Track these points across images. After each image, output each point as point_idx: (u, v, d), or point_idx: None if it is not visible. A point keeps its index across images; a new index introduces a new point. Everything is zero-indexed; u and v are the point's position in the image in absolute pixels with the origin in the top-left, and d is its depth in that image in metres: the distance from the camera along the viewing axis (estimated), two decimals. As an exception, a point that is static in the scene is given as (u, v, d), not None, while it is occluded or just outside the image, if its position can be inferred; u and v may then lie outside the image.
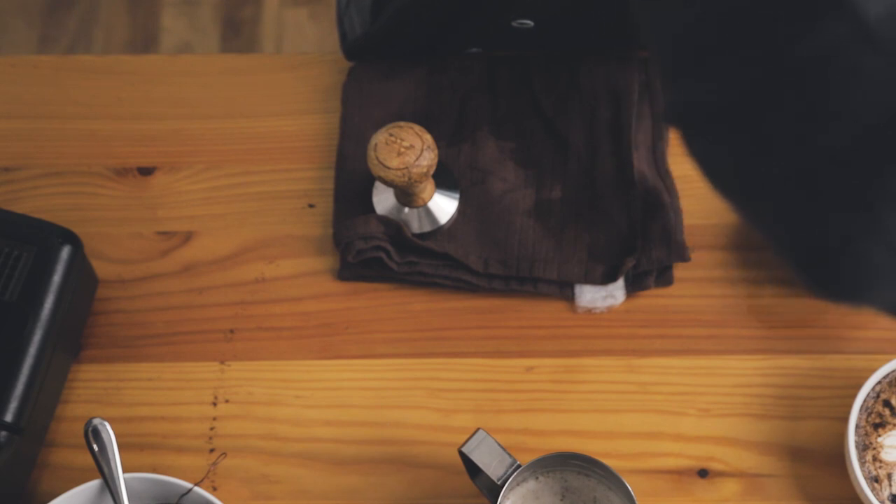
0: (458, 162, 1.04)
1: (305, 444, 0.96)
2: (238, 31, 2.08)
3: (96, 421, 0.91)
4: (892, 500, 0.90)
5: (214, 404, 0.98)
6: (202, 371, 0.99)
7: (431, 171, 0.96)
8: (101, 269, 1.01)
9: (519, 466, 0.87)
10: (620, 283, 1.00)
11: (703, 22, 0.52)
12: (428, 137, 0.95)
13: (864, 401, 0.92)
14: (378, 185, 1.03)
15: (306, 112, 1.08)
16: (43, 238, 0.94)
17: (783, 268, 0.69)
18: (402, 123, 0.96)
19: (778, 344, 0.98)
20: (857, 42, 0.45)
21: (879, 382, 0.93)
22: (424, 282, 1.01)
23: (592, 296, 1.00)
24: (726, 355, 0.98)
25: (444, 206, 1.01)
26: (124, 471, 0.91)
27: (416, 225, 1.01)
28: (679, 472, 0.95)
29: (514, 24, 1.02)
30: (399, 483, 0.95)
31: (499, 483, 0.86)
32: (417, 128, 0.95)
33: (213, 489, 0.95)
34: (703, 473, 0.95)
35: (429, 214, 1.01)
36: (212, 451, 0.96)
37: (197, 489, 0.90)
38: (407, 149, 0.94)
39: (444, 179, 1.02)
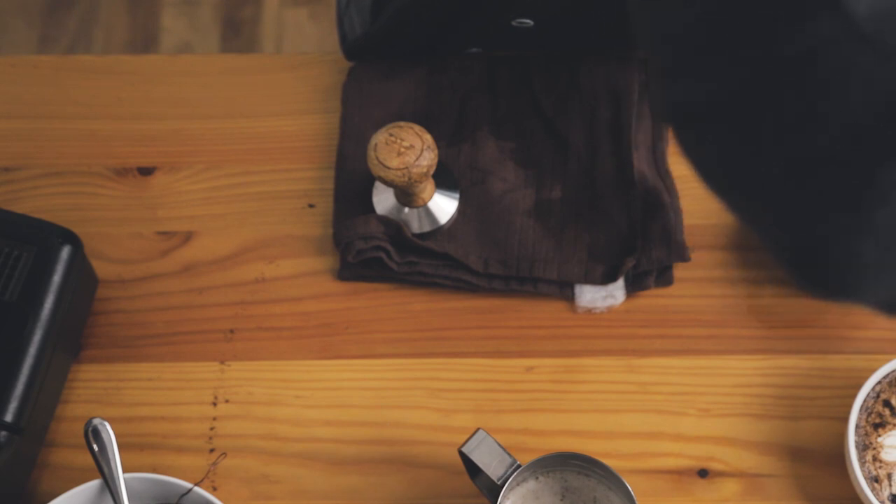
0: (458, 162, 1.04)
1: (305, 444, 0.96)
2: (238, 31, 2.08)
3: (96, 421, 0.91)
4: (892, 500, 0.90)
5: (214, 404, 0.98)
6: (202, 371, 0.99)
7: (431, 171, 0.96)
8: (101, 269, 1.01)
9: (519, 466, 0.87)
10: (620, 283, 1.00)
11: (701, 22, 0.52)
12: (428, 137, 0.95)
13: (864, 401, 0.92)
14: (378, 185, 1.03)
15: (306, 112, 1.08)
16: (43, 238, 0.94)
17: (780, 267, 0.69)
18: (402, 123, 0.96)
19: (778, 344, 0.98)
20: (849, 40, 0.45)
21: (879, 382, 0.93)
22: (424, 282, 1.01)
23: (592, 296, 1.00)
24: (726, 355, 0.98)
25: (444, 206, 1.01)
26: (124, 471, 0.91)
27: (416, 225, 1.01)
28: (679, 472, 0.95)
29: (513, 23, 1.02)
30: (399, 483, 0.95)
31: (499, 483, 0.86)
32: (417, 128, 0.95)
33: (213, 489, 0.95)
34: (703, 473, 0.95)
35: (429, 214, 1.01)
36: (212, 451, 0.96)
37: (197, 489, 0.90)
38: (407, 149, 0.94)
39: (444, 179, 1.02)
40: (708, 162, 0.58)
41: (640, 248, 0.99)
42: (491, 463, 0.86)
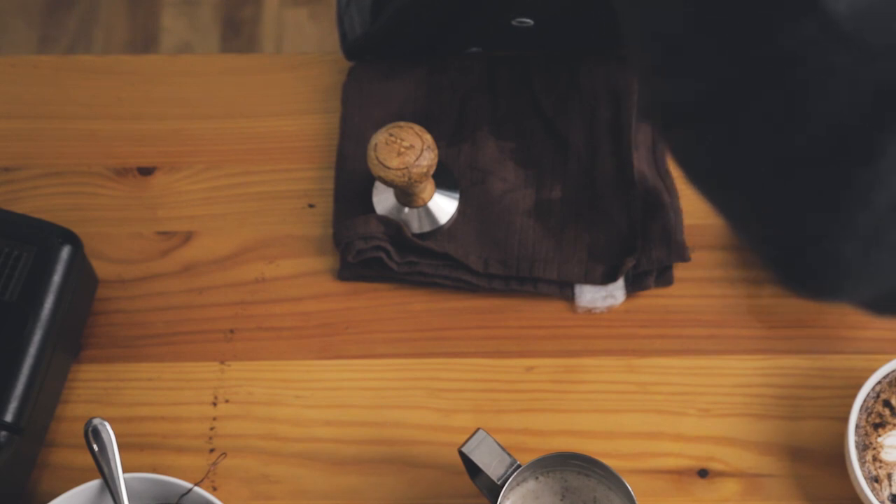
0: (458, 162, 1.04)
1: (305, 444, 0.96)
2: (238, 31, 2.08)
3: (96, 421, 0.91)
4: (892, 500, 0.90)
5: (214, 404, 0.98)
6: (202, 371, 0.99)
7: (431, 171, 0.96)
8: (101, 269, 1.01)
9: (519, 466, 0.87)
10: (620, 283, 1.00)
11: (690, 21, 0.52)
12: (428, 137, 0.95)
13: (864, 401, 0.92)
14: (378, 185, 1.03)
15: (306, 112, 1.08)
16: (43, 238, 0.94)
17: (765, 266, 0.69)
18: (402, 123, 0.96)
19: (778, 344, 0.98)
20: (829, 41, 0.45)
21: (879, 382, 0.93)
22: (424, 282, 1.01)
23: (592, 296, 1.00)
24: (726, 355, 0.98)
25: (444, 206, 1.01)
26: (124, 471, 0.91)
27: (416, 225, 1.01)
28: (679, 472, 0.95)
29: (513, 23, 1.02)
30: (399, 483, 0.95)
31: (499, 483, 0.86)
32: (417, 128, 0.95)
33: (213, 489, 0.95)
34: (703, 473, 0.95)
35: (429, 214, 1.01)
36: (212, 451, 0.96)
37: (197, 489, 0.90)
38: (407, 149, 0.94)
39: (444, 179, 1.02)
40: (695, 161, 0.58)
41: (640, 248, 1.00)
42: (491, 463, 0.86)
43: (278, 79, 1.09)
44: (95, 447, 0.90)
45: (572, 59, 1.07)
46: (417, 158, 0.94)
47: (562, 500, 0.88)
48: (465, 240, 1.01)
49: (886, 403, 0.92)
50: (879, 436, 0.91)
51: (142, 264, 1.02)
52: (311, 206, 1.04)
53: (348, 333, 1.00)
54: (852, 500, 0.93)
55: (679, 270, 1.01)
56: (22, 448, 0.91)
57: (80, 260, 0.95)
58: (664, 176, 1.03)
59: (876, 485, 0.90)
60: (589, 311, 1.00)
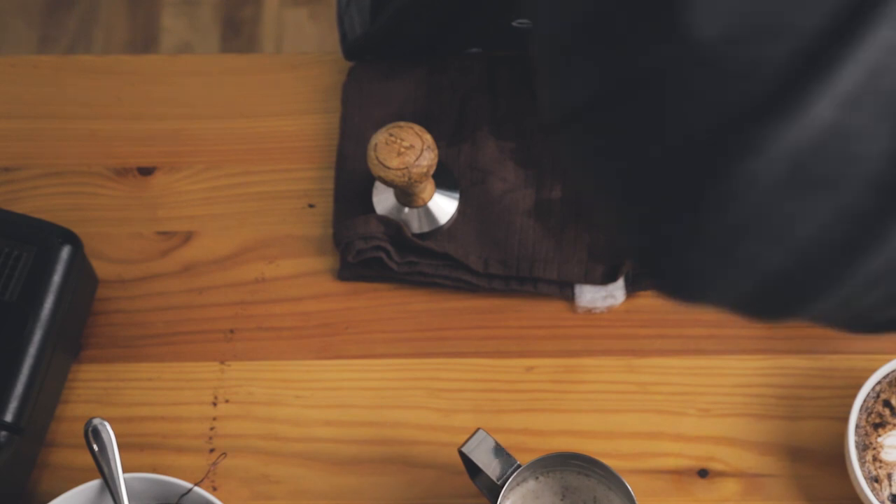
0: (458, 162, 1.04)
1: (305, 444, 0.96)
2: (238, 31, 2.08)
3: (96, 421, 0.91)
4: (892, 500, 0.90)
5: (214, 404, 0.98)
6: (202, 371, 0.99)
7: (431, 171, 0.96)
8: (101, 269, 1.01)
9: (519, 466, 0.87)
10: (620, 283, 1.00)
11: (578, 25, 0.53)
12: (428, 137, 0.95)
13: (864, 401, 0.92)
14: (378, 185, 1.03)
15: (306, 112, 1.08)
16: (43, 238, 0.94)
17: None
18: (402, 123, 0.96)
19: (778, 344, 0.98)
20: (690, 64, 0.44)
21: (879, 382, 0.93)
22: (424, 282, 1.01)
23: (592, 296, 1.00)
24: (726, 355, 0.98)
25: (444, 206, 1.01)
26: (124, 471, 0.91)
27: (416, 225, 1.01)
28: (679, 472, 0.95)
29: (514, 23, 1.02)
30: (399, 483, 0.95)
31: (499, 483, 0.86)
32: (417, 128, 0.95)
33: (213, 489, 0.95)
34: (703, 473, 0.95)
35: (429, 214, 1.01)
36: (212, 451, 0.96)
37: (197, 489, 0.90)
38: (407, 149, 0.94)
39: (444, 179, 1.02)
40: (578, 163, 0.58)
41: (640, 248, 0.99)
42: (491, 463, 0.86)
43: (278, 79, 1.09)
44: (95, 447, 0.90)
45: (572, 59, 1.06)
46: (417, 158, 0.94)
47: (562, 500, 0.88)
48: (465, 240, 1.01)
49: (886, 403, 0.92)
50: (879, 436, 0.91)
51: (142, 264, 1.02)
52: (311, 206, 1.04)
53: (348, 333, 1.00)
54: (852, 500, 0.93)
55: (679, 270, 1.01)
56: (22, 448, 0.91)
57: (80, 260, 0.95)
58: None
59: (876, 485, 0.90)
60: (589, 311, 1.00)
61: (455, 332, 1.00)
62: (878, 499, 0.89)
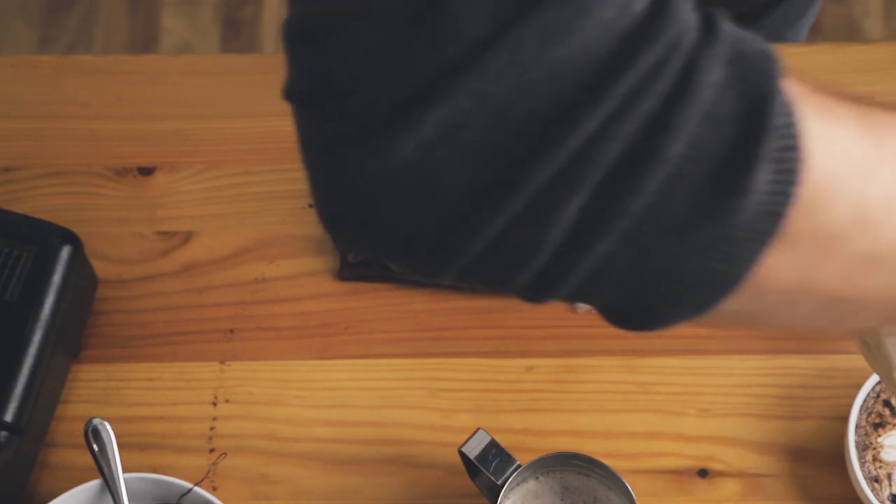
0: (457, 162, 1.03)
1: (305, 444, 0.96)
2: (238, 31, 2.08)
3: (96, 421, 0.91)
4: (892, 500, 0.90)
5: (214, 404, 0.98)
6: (202, 371, 0.99)
7: (431, 171, 0.96)
8: (101, 269, 1.01)
9: (519, 466, 0.86)
10: (620, 283, 1.00)
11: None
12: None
13: (864, 401, 0.92)
14: (378, 185, 1.02)
15: (306, 112, 1.08)
16: (43, 238, 0.94)
17: None
18: (402, 123, 0.95)
19: (778, 344, 0.98)
20: (483, 117, 0.48)
21: (879, 382, 0.92)
22: (424, 282, 1.01)
23: (592, 296, 1.00)
24: (726, 355, 0.98)
25: (444, 206, 1.01)
26: (124, 471, 0.91)
27: (416, 225, 1.01)
28: (679, 472, 0.95)
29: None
30: (399, 483, 0.95)
31: (499, 483, 0.86)
32: (417, 128, 0.95)
33: (213, 489, 0.95)
34: (703, 473, 0.95)
35: (429, 214, 1.01)
36: (212, 451, 0.96)
37: (197, 489, 0.90)
38: (407, 149, 0.94)
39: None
40: None
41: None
42: (491, 463, 0.86)
43: (278, 79, 1.09)
44: (95, 447, 0.90)
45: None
46: (417, 158, 0.94)
47: (562, 500, 0.88)
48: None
49: (886, 403, 0.92)
50: (879, 436, 0.91)
51: (142, 264, 1.02)
52: (311, 206, 1.04)
53: (348, 333, 1.00)
54: (852, 500, 0.93)
55: (679, 270, 1.01)
56: (22, 448, 0.91)
57: (80, 260, 0.95)
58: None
59: (876, 485, 0.90)
60: (589, 310, 1.00)
61: (455, 332, 1.00)
62: (878, 499, 0.89)
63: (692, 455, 0.95)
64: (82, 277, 0.97)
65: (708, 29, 0.50)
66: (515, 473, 0.86)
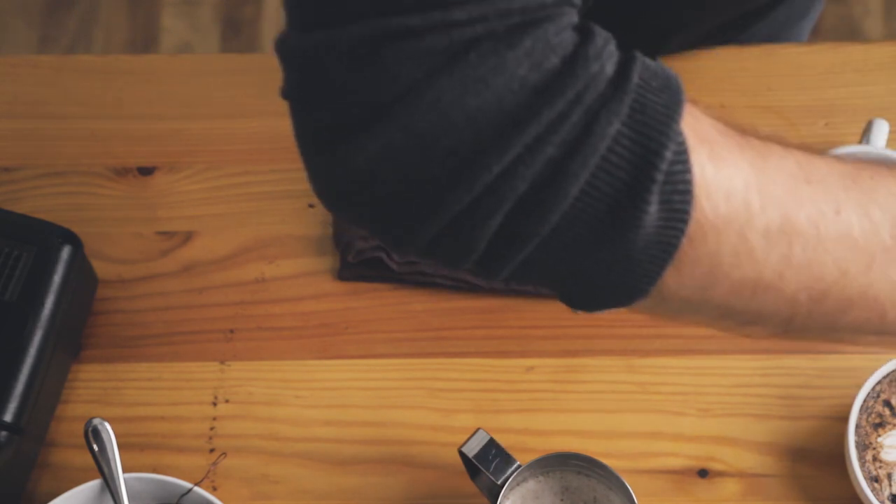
0: (457, 162, 1.04)
1: (305, 444, 0.96)
2: (238, 31, 2.08)
3: (96, 421, 0.91)
4: (892, 500, 0.90)
5: (214, 404, 0.98)
6: (202, 371, 0.99)
7: (431, 171, 0.96)
8: (101, 269, 1.01)
9: (519, 466, 0.87)
10: (620, 283, 1.00)
11: None
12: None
13: (864, 401, 0.92)
14: (378, 185, 1.02)
15: (306, 112, 1.08)
16: (43, 238, 0.94)
17: None
18: (402, 123, 0.95)
19: (778, 344, 0.98)
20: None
21: (879, 382, 0.93)
22: (424, 282, 1.01)
23: (592, 296, 1.00)
24: (726, 355, 0.98)
25: (444, 206, 1.01)
26: (124, 471, 0.91)
27: (416, 225, 1.01)
28: (679, 472, 0.95)
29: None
30: (399, 483, 0.95)
31: (499, 483, 0.86)
32: (417, 128, 0.95)
33: (213, 489, 0.95)
34: (703, 473, 0.95)
35: (429, 214, 1.01)
36: (212, 451, 0.96)
37: (197, 489, 0.90)
38: (407, 149, 0.94)
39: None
40: None
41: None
42: (491, 463, 0.86)
43: (278, 79, 1.09)
44: (95, 447, 0.90)
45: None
46: (417, 158, 0.94)
47: (562, 500, 0.88)
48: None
49: (886, 403, 0.92)
50: (879, 436, 0.91)
51: (142, 264, 1.02)
52: (311, 206, 1.04)
53: (348, 333, 1.00)
54: (852, 500, 0.93)
55: (679, 270, 1.01)
56: (22, 448, 0.91)
57: (80, 260, 0.95)
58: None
59: (876, 485, 0.90)
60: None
61: (455, 332, 1.00)
62: (878, 499, 0.89)
63: (692, 455, 0.95)
64: (82, 277, 0.97)
65: (619, 79, 0.58)
66: (515, 473, 0.86)
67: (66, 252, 0.94)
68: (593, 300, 0.64)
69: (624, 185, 0.57)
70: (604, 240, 0.58)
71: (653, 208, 0.57)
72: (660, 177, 0.57)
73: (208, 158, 1.06)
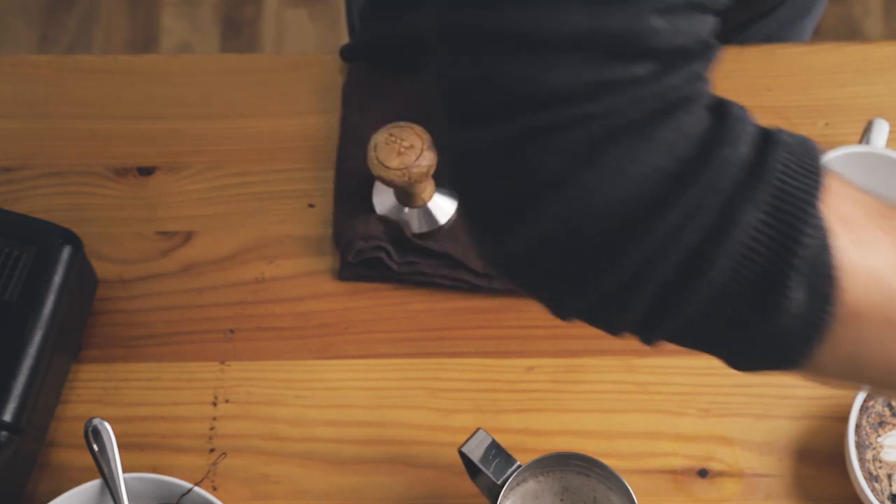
0: (457, 162, 1.04)
1: (305, 444, 0.96)
2: (238, 31, 2.08)
3: (96, 421, 0.91)
4: (892, 500, 0.90)
5: (214, 404, 0.98)
6: (202, 371, 0.99)
7: (431, 171, 0.96)
8: (101, 269, 1.01)
9: (519, 466, 0.87)
10: (620, 283, 1.00)
11: None
12: (428, 137, 0.95)
13: (864, 401, 0.92)
14: (378, 185, 1.03)
15: (306, 112, 1.08)
16: (43, 238, 0.94)
17: None
18: (402, 123, 0.96)
19: (778, 344, 0.98)
20: None
21: (879, 382, 0.92)
22: (424, 282, 1.01)
23: (592, 296, 1.00)
24: (726, 355, 0.98)
25: (444, 206, 1.01)
26: (124, 471, 0.91)
27: (416, 225, 1.01)
28: (679, 472, 0.95)
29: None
30: (399, 483, 0.95)
31: (499, 483, 0.86)
32: (417, 128, 0.95)
33: (213, 489, 0.95)
34: (703, 473, 0.95)
35: (429, 214, 1.01)
36: (212, 451, 0.96)
37: (197, 489, 0.90)
38: (407, 149, 0.94)
39: (444, 179, 1.02)
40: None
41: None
42: (491, 463, 0.86)
43: (278, 79, 1.09)
44: (95, 447, 0.90)
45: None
46: (417, 158, 0.94)
47: (562, 500, 0.88)
48: (465, 240, 1.01)
49: (886, 403, 0.92)
50: (879, 436, 0.91)
51: (142, 264, 1.02)
52: (311, 206, 1.04)
53: (348, 333, 1.00)
54: (852, 500, 0.93)
55: (679, 270, 1.01)
56: (22, 448, 0.91)
57: (80, 260, 0.95)
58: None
59: (876, 485, 0.90)
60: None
61: (455, 332, 1.00)
62: (878, 499, 0.89)
63: (692, 455, 0.95)
64: (82, 277, 0.97)
65: (757, 163, 0.58)
66: (515, 473, 0.86)
67: (66, 252, 0.94)
68: (748, 367, 0.66)
69: (763, 270, 0.58)
70: (750, 319, 0.60)
71: (795, 293, 0.59)
72: (798, 262, 0.58)
73: (208, 158, 1.06)
